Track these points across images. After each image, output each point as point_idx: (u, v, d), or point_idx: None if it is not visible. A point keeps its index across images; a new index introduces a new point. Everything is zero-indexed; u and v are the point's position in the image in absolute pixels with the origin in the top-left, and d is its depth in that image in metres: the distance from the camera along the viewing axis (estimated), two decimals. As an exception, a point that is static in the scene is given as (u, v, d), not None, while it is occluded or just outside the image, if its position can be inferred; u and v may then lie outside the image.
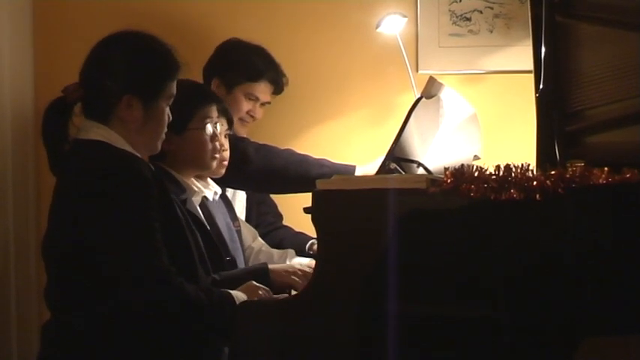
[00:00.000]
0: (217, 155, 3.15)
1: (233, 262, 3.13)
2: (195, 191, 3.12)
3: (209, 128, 3.11)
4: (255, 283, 2.82)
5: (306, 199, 2.64)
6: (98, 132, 2.67)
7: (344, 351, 2.54)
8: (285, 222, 3.86)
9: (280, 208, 3.89)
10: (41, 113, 2.74)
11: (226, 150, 3.24)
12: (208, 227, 3.08)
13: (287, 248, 3.61)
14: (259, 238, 3.54)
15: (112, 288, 2.55)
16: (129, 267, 2.55)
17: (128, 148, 2.68)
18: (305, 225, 3.22)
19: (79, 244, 2.56)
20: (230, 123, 3.27)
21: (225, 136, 3.24)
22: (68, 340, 2.61)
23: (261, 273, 2.99)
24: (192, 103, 3.09)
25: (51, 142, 2.71)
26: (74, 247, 2.57)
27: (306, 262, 3.25)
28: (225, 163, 3.25)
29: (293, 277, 3.03)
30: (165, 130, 2.76)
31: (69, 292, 2.61)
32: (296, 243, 3.66)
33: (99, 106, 2.69)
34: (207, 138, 3.11)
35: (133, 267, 2.54)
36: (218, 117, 3.17)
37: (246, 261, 3.35)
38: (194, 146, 3.10)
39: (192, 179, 3.15)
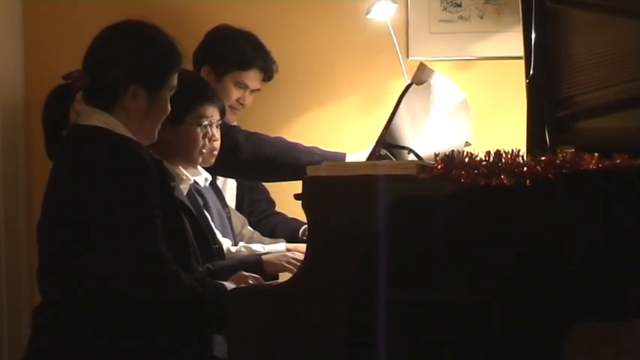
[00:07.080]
0: (204, 151, 3.17)
1: (220, 251, 3.13)
2: (182, 179, 3.13)
3: (204, 127, 3.13)
4: (244, 273, 2.83)
5: (297, 185, 2.63)
6: (99, 118, 2.67)
7: (334, 337, 2.54)
8: (277, 208, 3.86)
9: (272, 195, 3.89)
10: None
11: (217, 140, 3.26)
12: (196, 214, 3.08)
13: (280, 234, 3.62)
14: (248, 226, 3.54)
15: (106, 273, 2.55)
16: (126, 252, 2.55)
17: (129, 134, 2.68)
18: (297, 211, 3.22)
19: (75, 229, 2.56)
20: (222, 113, 3.29)
21: (216, 126, 3.26)
22: (59, 325, 2.61)
23: (255, 265, 2.99)
24: (193, 98, 3.11)
25: (50, 127, 2.71)
26: (71, 231, 2.57)
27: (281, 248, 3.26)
28: (216, 152, 3.27)
29: (287, 264, 3.03)
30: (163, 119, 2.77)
31: (63, 275, 2.61)
32: (289, 229, 3.66)
33: (103, 94, 2.69)
34: (200, 135, 3.12)
35: (130, 253, 2.55)
36: (213, 113, 3.19)
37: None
38: (186, 140, 3.12)
39: (180, 167, 3.15)
